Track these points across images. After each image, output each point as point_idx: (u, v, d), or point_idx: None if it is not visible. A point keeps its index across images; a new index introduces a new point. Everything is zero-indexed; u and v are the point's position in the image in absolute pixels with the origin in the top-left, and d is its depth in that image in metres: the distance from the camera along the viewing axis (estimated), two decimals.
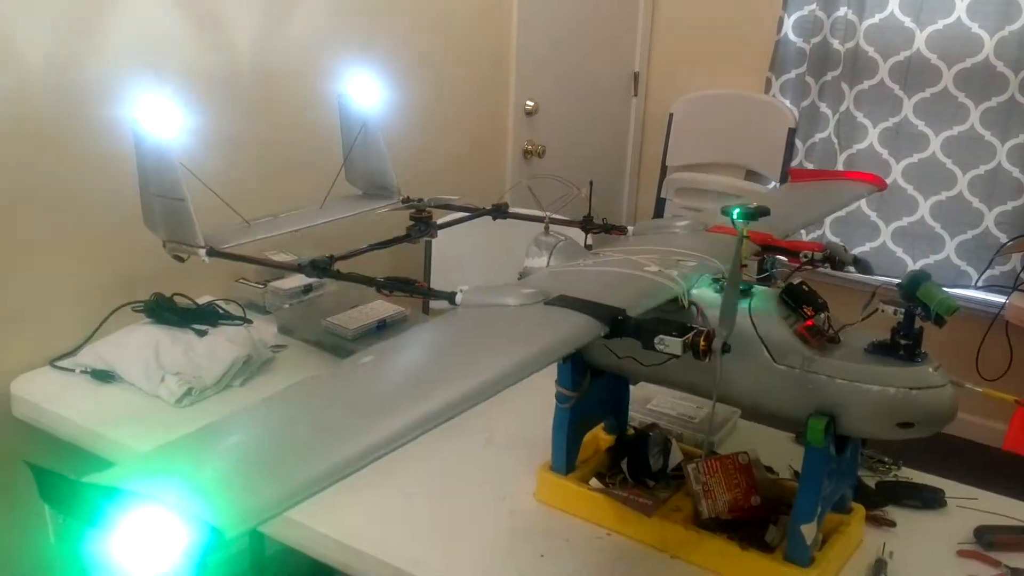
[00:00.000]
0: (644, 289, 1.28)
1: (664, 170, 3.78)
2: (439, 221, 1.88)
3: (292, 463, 0.82)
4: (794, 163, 3.55)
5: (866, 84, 3.47)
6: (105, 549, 0.74)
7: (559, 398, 1.50)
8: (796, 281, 1.36)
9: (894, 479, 1.63)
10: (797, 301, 1.32)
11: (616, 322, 1.17)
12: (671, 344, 1.13)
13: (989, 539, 1.46)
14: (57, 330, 2.00)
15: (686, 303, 1.29)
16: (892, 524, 1.51)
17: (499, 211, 1.92)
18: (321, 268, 1.59)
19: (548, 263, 1.49)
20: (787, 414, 1.33)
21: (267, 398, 0.97)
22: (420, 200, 1.92)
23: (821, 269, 1.53)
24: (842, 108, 3.52)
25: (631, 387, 1.63)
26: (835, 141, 3.56)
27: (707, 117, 3.74)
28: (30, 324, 1.98)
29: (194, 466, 0.82)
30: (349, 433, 0.86)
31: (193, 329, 1.98)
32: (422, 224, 1.82)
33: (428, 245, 2.59)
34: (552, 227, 1.60)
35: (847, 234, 3.61)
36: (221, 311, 2.09)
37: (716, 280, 1.36)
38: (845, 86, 3.49)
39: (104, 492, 0.76)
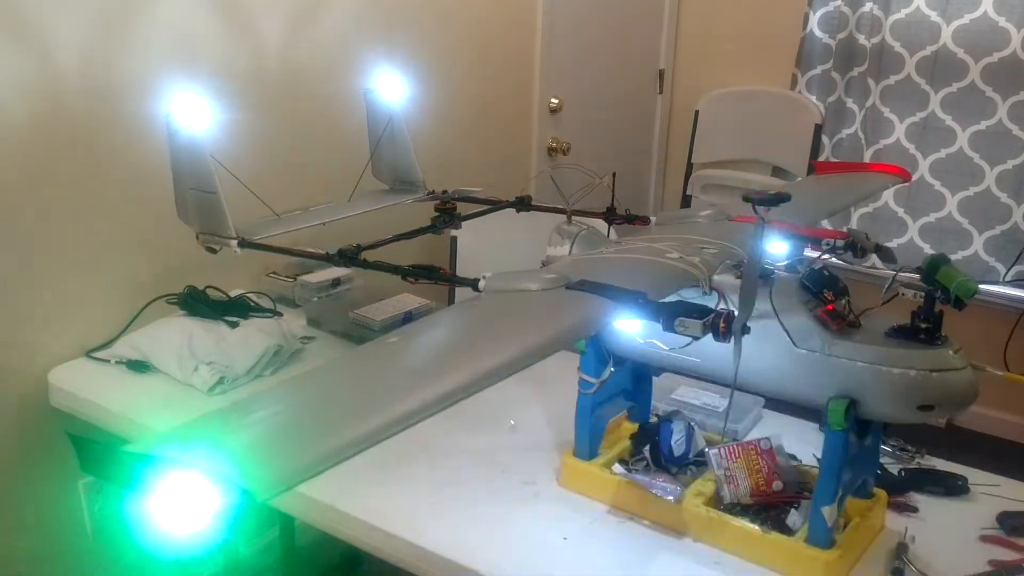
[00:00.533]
0: (665, 274, 1.29)
1: (690, 167, 3.78)
2: (463, 214, 1.90)
3: (321, 431, 0.85)
4: (820, 159, 3.54)
5: (892, 79, 3.45)
6: (142, 511, 0.77)
7: (582, 385, 1.52)
8: (817, 267, 1.37)
9: (917, 467, 1.63)
10: (818, 285, 1.33)
11: (637, 305, 1.19)
12: (691, 326, 1.15)
13: (1012, 524, 1.46)
14: (93, 322, 2.05)
15: (707, 289, 1.31)
16: (915, 510, 1.51)
17: (522, 204, 1.94)
18: (349, 257, 1.63)
19: (570, 251, 1.50)
20: (808, 398, 1.34)
21: (295, 376, 1.00)
22: (444, 192, 1.96)
23: (844, 259, 1.54)
24: (868, 104, 3.50)
25: (655, 378, 1.64)
26: (862, 137, 3.55)
27: (733, 114, 3.74)
28: (67, 316, 2.03)
29: (226, 435, 0.85)
30: (377, 404, 0.89)
31: (225, 321, 2.02)
32: (446, 215, 1.85)
33: (454, 240, 2.62)
34: (575, 218, 1.62)
35: (874, 229, 3.58)
36: (252, 303, 2.13)
37: (737, 267, 1.38)
38: (871, 81, 3.48)
39: (141, 458, 0.80)
